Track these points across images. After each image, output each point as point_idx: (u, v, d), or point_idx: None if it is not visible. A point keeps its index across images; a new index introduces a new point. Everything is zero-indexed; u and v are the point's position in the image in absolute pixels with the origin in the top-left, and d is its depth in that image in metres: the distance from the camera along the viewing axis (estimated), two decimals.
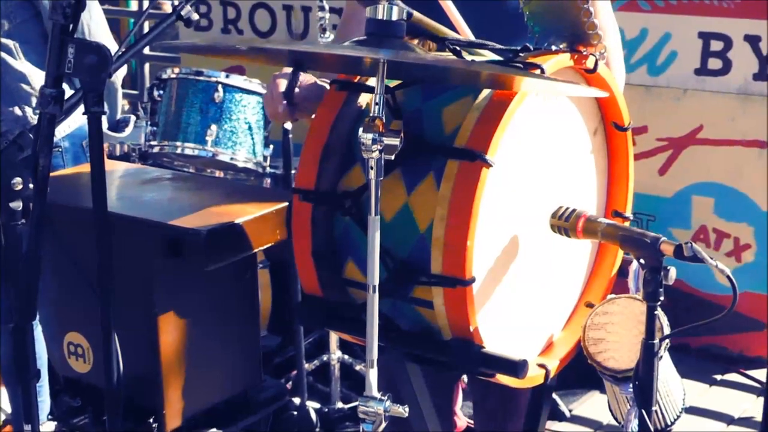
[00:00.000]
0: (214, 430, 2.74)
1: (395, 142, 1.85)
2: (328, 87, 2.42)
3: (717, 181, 4.75)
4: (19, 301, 2.08)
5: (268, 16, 5.76)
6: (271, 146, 4.41)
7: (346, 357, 4.29)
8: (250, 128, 4.29)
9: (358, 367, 4.32)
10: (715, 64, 4.64)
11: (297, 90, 2.43)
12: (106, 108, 3.43)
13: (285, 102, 2.41)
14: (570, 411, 4.45)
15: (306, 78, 2.43)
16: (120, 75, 3.66)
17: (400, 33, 1.91)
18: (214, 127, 4.23)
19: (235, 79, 4.30)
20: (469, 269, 2.08)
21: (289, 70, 2.44)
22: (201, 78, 4.30)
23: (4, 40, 3.36)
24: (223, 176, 4.52)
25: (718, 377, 4.70)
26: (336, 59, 2.02)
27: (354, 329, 2.30)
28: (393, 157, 1.93)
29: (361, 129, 1.85)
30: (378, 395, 1.96)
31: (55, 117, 1.95)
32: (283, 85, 2.41)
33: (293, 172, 4.37)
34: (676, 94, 4.76)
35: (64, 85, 2.03)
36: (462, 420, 4.05)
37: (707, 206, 4.79)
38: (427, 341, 2.21)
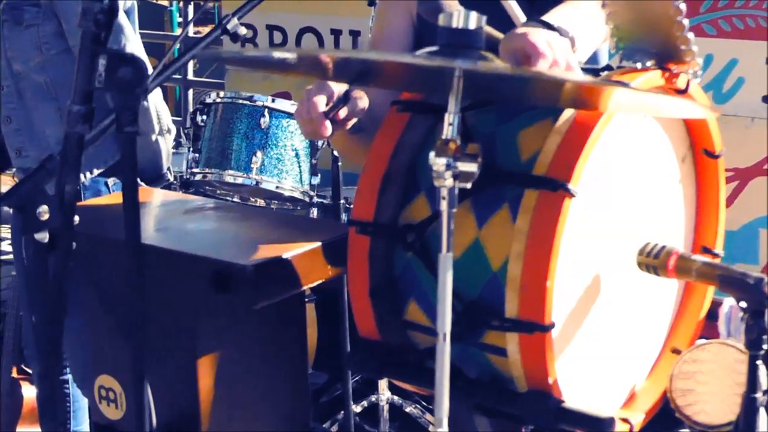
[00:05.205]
0: None
1: (472, 168, 1.62)
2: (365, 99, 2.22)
3: None
4: (44, 342, 1.88)
5: (316, 42, 5.62)
6: (319, 175, 4.26)
7: (395, 398, 4.11)
8: (297, 155, 4.15)
9: (408, 409, 4.15)
10: None
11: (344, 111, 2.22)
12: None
13: (328, 123, 2.20)
14: None
15: (341, 90, 2.21)
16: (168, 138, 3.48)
17: (478, 43, 1.69)
18: (259, 153, 4.10)
19: (282, 104, 4.17)
20: (549, 313, 1.87)
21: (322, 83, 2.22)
22: (246, 102, 4.17)
23: None
24: (266, 205, 4.39)
25: None
26: (405, 72, 1.79)
27: (416, 378, 2.08)
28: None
29: (432, 153, 1.62)
30: None
31: (83, 137, 1.74)
32: (322, 103, 2.19)
33: (342, 202, 4.21)
34: (744, 122, 4.56)
35: None
36: None
37: None
38: (498, 392, 1.99)
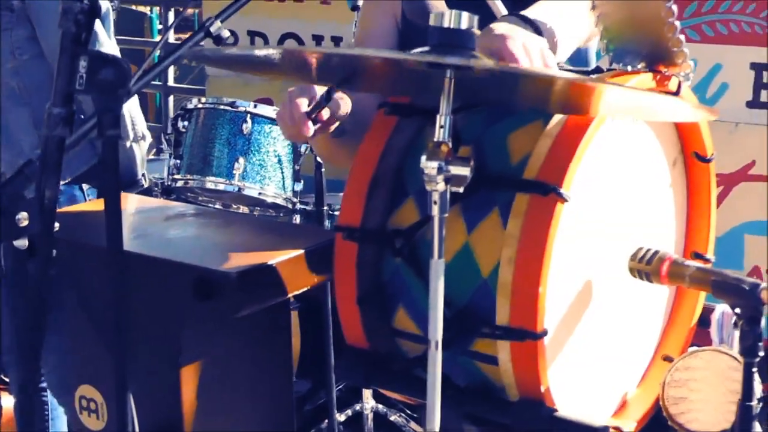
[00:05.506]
0: None
1: (464, 171, 1.57)
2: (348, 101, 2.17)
3: None
4: (24, 349, 1.82)
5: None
6: (302, 181, 4.21)
7: (380, 406, 4.05)
8: (279, 161, 4.09)
9: (393, 418, 4.10)
10: None
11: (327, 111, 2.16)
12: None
13: (310, 123, 2.14)
14: None
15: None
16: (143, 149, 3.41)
17: (470, 43, 1.64)
18: (241, 160, 4.04)
19: (264, 109, 4.11)
20: (541, 320, 1.82)
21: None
22: (228, 108, 4.10)
23: None
24: (249, 212, 4.33)
25: None
26: (392, 73, 1.74)
27: (404, 386, 2.03)
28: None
29: (423, 156, 1.57)
30: None
31: (64, 141, 1.69)
32: (304, 104, 2.14)
33: (325, 208, 4.16)
34: (728, 127, 4.50)
35: None
36: None
37: (761, 246, 4.51)
38: (489, 401, 1.94)
